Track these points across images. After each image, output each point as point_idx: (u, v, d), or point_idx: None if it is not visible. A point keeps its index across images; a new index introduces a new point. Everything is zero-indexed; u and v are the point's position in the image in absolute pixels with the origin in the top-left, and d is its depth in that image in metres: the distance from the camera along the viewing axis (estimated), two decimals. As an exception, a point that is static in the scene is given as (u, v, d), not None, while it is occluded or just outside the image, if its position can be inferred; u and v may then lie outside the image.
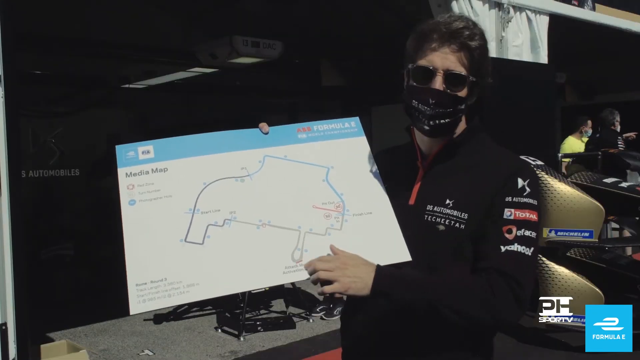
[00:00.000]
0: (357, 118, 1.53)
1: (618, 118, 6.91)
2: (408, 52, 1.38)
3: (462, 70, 1.32)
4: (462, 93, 1.34)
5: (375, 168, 1.45)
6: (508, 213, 1.29)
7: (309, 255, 1.30)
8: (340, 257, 1.27)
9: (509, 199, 1.30)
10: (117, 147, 1.42)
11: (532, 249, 1.28)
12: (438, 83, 1.32)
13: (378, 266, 1.26)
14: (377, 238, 1.34)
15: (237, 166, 1.41)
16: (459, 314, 1.24)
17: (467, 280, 1.28)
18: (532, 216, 1.30)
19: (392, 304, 1.26)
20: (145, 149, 1.42)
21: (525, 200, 1.30)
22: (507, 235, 1.28)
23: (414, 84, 1.35)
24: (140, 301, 1.24)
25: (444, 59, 1.32)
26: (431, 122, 1.34)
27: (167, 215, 1.33)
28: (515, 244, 1.27)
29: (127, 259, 1.28)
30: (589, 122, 7.56)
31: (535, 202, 1.31)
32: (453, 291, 1.26)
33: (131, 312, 1.24)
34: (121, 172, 1.39)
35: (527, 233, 1.28)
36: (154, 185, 1.37)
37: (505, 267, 1.25)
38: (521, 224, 1.28)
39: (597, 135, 7.04)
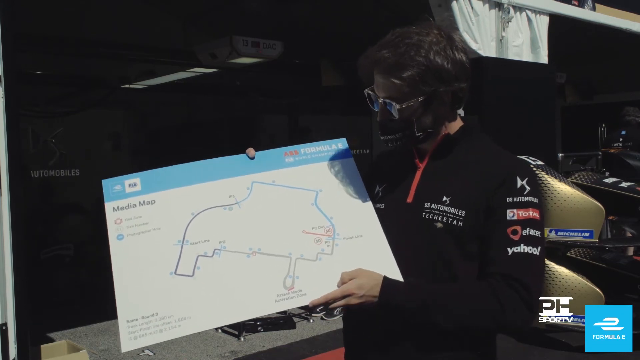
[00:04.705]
0: (345, 139, 1.53)
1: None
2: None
3: (400, 95, 1.29)
4: (411, 114, 1.31)
5: (363, 190, 1.44)
6: (511, 214, 1.26)
7: (300, 281, 1.30)
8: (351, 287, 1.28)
9: (509, 199, 1.26)
10: (103, 181, 1.41)
11: (539, 247, 1.25)
12: (379, 112, 1.34)
13: (385, 278, 1.27)
14: (368, 261, 1.33)
15: (225, 194, 1.41)
16: (459, 324, 1.24)
17: (470, 289, 1.26)
18: (535, 214, 1.26)
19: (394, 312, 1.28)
20: (132, 181, 1.41)
21: (527, 199, 1.27)
22: (512, 237, 1.24)
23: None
24: (131, 338, 1.24)
25: (382, 86, 1.32)
26: (390, 145, 1.37)
27: (156, 248, 1.33)
28: (522, 245, 1.24)
29: (117, 295, 1.28)
30: None
31: (536, 200, 1.28)
32: (455, 298, 1.25)
33: (123, 350, 1.24)
34: (108, 206, 1.38)
35: (533, 232, 1.25)
36: (142, 219, 1.36)
37: (512, 271, 1.22)
38: (525, 223, 1.25)
39: (623, 132, 7.04)
